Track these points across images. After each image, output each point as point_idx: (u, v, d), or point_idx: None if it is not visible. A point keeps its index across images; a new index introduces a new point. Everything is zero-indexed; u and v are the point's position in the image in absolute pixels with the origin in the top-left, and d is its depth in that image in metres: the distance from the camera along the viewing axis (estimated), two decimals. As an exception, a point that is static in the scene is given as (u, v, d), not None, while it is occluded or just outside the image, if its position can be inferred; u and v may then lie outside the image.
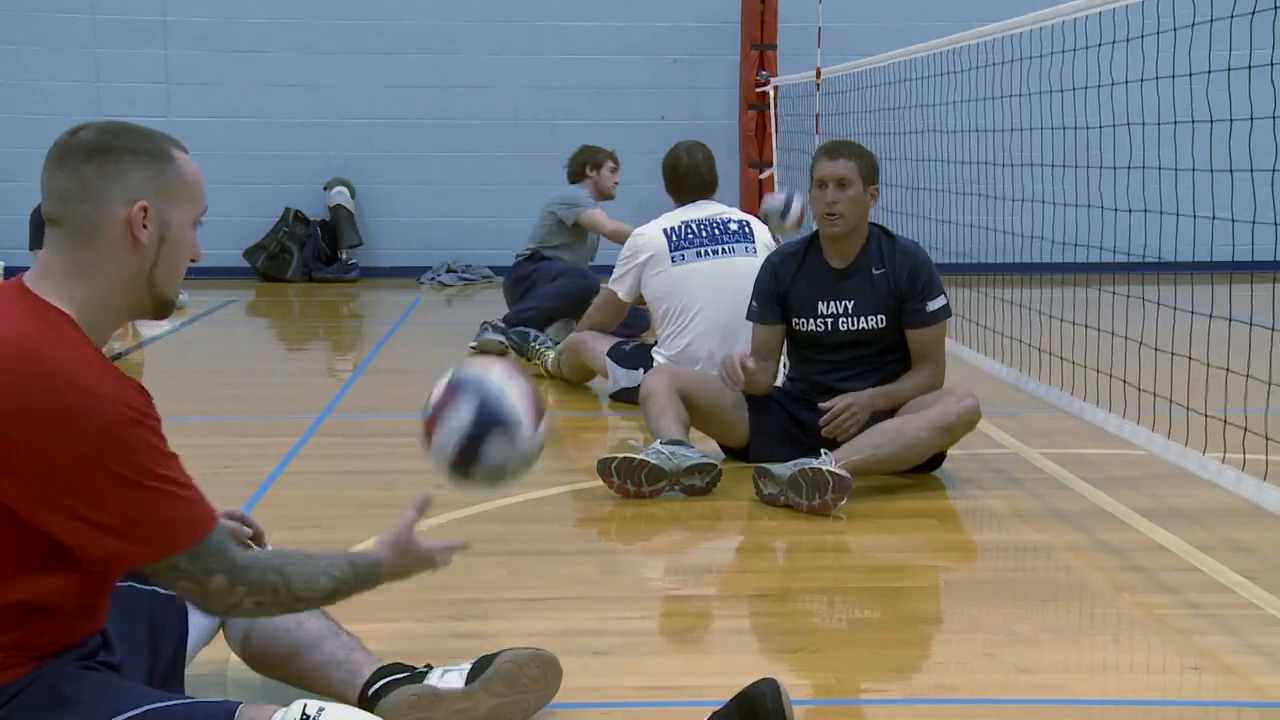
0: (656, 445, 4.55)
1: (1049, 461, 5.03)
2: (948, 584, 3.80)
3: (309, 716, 2.28)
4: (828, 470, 4.25)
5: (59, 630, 2.29)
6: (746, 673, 3.21)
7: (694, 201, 6.07)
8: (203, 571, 2.30)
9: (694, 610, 3.68)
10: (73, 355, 2.21)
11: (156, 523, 2.25)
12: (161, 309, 2.37)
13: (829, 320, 4.86)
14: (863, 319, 4.82)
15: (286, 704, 2.29)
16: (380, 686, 2.73)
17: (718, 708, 2.65)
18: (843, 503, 4.29)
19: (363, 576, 2.53)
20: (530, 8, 11.81)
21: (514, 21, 11.82)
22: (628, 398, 6.01)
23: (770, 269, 5.06)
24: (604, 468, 4.51)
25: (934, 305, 4.80)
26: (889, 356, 4.85)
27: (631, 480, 4.47)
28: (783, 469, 4.34)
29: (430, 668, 2.78)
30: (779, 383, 5.13)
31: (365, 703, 2.74)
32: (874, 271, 4.82)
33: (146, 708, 2.26)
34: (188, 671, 2.73)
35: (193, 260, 2.39)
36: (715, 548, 4.26)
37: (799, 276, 4.93)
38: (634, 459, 4.47)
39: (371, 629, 2.90)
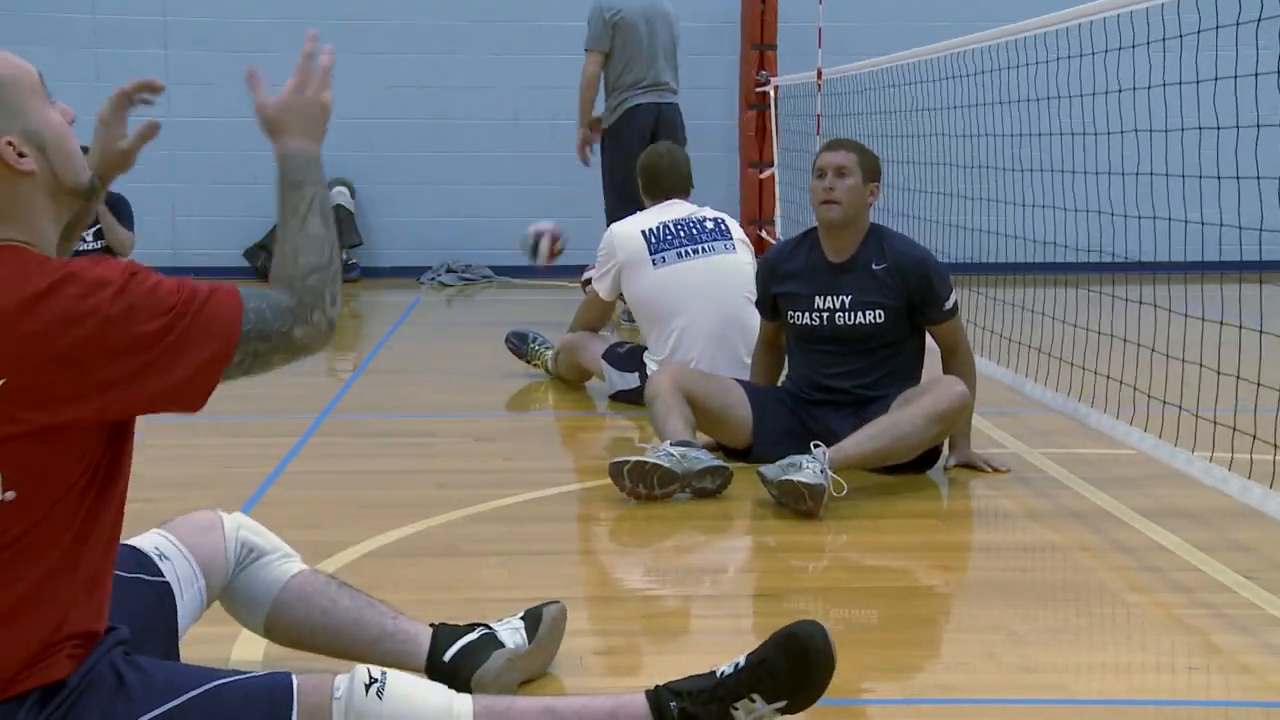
0: (666, 447, 4.50)
1: (1049, 461, 5.03)
2: (948, 584, 3.80)
3: (374, 679, 2.33)
4: (800, 482, 4.22)
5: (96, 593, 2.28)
6: (746, 673, 3.21)
7: (668, 200, 6.05)
8: (270, 351, 2.24)
9: (695, 610, 3.67)
10: (45, 260, 2.18)
11: (201, 341, 2.17)
12: (86, 194, 2.35)
13: (825, 315, 4.86)
14: (860, 314, 4.82)
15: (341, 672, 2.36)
16: (462, 652, 2.82)
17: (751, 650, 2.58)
18: (824, 503, 4.25)
19: (310, 170, 2.39)
20: (530, 8, 11.80)
21: (514, 21, 11.81)
22: (626, 398, 6.00)
23: (765, 266, 5.12)
24: (616, 470, 4.46)
25: (950, 303, 4.86)
26: (886, 351, 4.85)
27: (644, 483, 4.43)
28: (773, 472, 4.31)
29: (487, 626, 2.90)
30: (779, 382, 5.13)
31: (444, 669, 2.80)
32: (874, 267, 4.82)
33: (208, 686, 2.27)
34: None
35: (70, 121, 2.34)
36: (716, 548, 4.25)
37: (795, 271, 4.95)
38: (646, 462, 4.42)
39: (371, 629, 2.90)
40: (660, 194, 6.08)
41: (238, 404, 6.52)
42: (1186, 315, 4.83)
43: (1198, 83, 4.77)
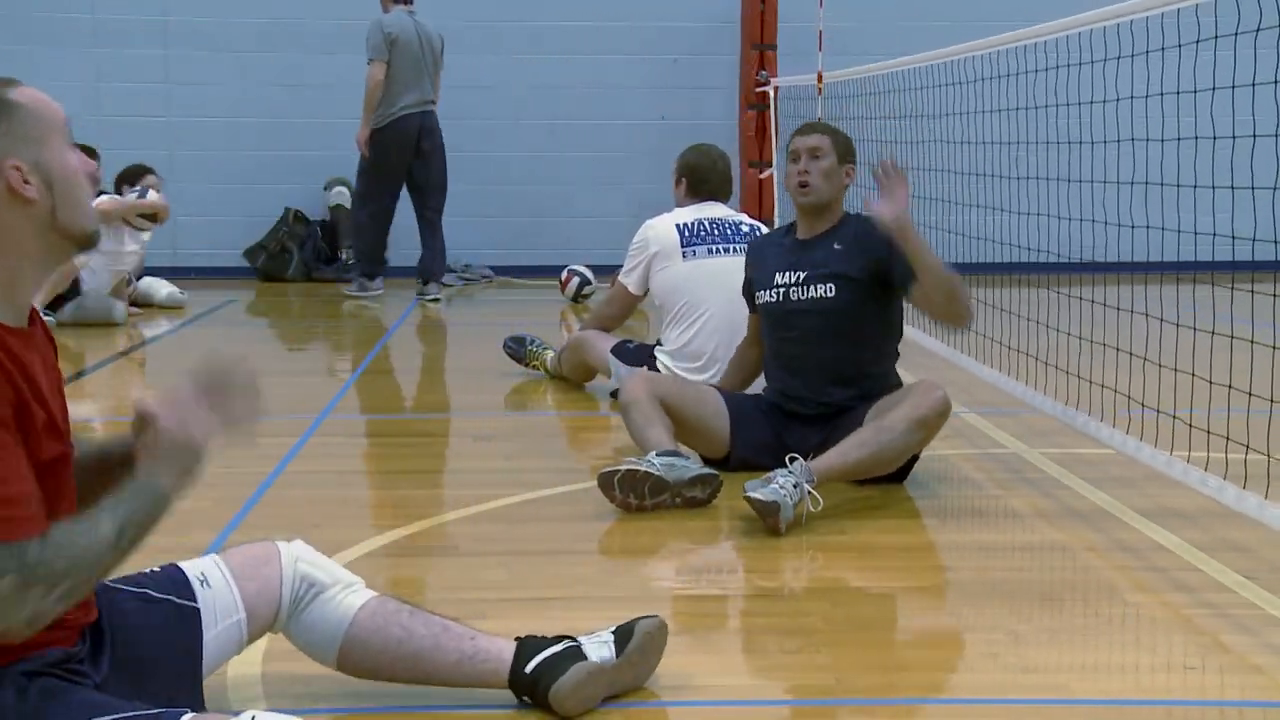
0: (653, 457, 4.45)
1: (1049, 461, 5.03)
2: (948, 584, 3.80)
3: None
4: (753, 499, 4.13)
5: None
6: (747, 673, 3.22)
7: (710, 200, 6.10)
8: None
9: (694, 610, 3.67)
10: None
11: None
12: (85, 241, 2.34)
13: (782, 290, 4.81)
14: (812, 288, 4.73)
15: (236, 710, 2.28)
16: (544, 663, 2.81)
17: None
18: (784, 519, 4.14)
19: (141, 494, 2.28)
20: (530, 8, 11.81)
21: (514, 21, 11.82)
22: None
23: (748, 253, 5.15)
24: (606, 481, 4.40)
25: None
26: (847, 339, 4.69)
27: (634, 493, 4.37)
28: (749, 486, 4.21)
29: (574, 640, 2.89)
30: (760, 391, 5.06)
31: (525, 680, 2.80)
32: (835, 246, 4.74)
33: None
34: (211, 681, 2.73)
35: (90, 174, 2.35)
36: (715, 548, 4.25)
37: (768, 252, 4.96)
38: (638, 471, 4.37)
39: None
40: (704, 193, 6.12)
41: (238, 404, 6.53)
42: (1178, 323, 4.83)
43: (1195, 92, 4.77)
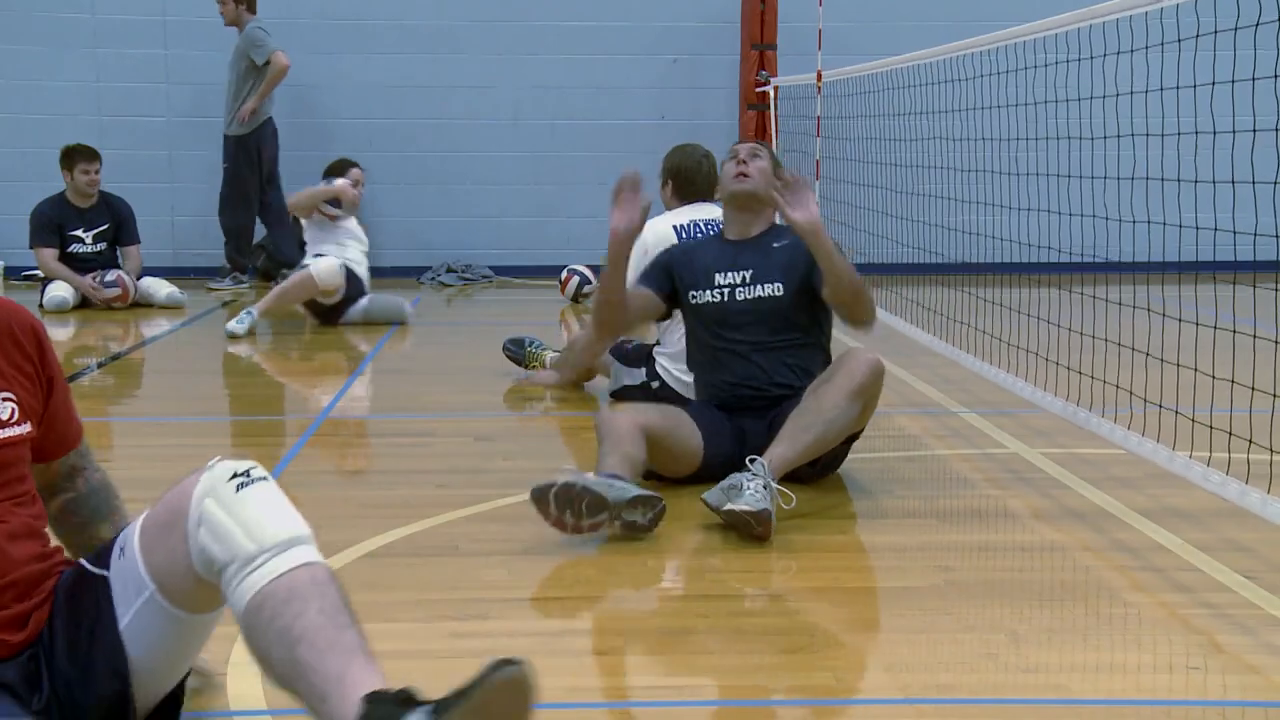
0: (592, 476, 4.22)
1: (1049, 461, 5.03)
2: (948, 584, 3.80)
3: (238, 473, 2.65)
4: (742, 511, 4.10)
5: None
6: (747, 673, 3.21)
7: (700, 202, 6.10)
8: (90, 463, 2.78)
9: (694, 610, 3.67)
10: None
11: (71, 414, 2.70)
12: None
13: (726, 290, 4.83)
14: (760, 287, 4.79)
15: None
16: None
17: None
18: (774, 522, 4.12)
19: None
20: (530, 8, 11.80)
21: (514, 21, 11.82)
22: (629, 396, 6.00)
23: (671, 248, 5.15)
24: (540, 495, 4.07)
25: None
26: (792, 332, 4.75)
27: (571, 510, 4.12)
28: (716, 499, 4.19)
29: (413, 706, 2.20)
30: (704, 396, 4.97)
31: None
32: (774, 245, 4.86)
33: None
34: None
35: None
36: (715, 548, 4.25)
37: (698, 250, 4.99)
38: (575, 486, 4.11)
39: (372, 629, 2.89)
40: (694, 195, 6.12)
41: (238, 404, 6.53)
42: (1180, 318, 4.83)
43: (1195, 87, 4.77)
